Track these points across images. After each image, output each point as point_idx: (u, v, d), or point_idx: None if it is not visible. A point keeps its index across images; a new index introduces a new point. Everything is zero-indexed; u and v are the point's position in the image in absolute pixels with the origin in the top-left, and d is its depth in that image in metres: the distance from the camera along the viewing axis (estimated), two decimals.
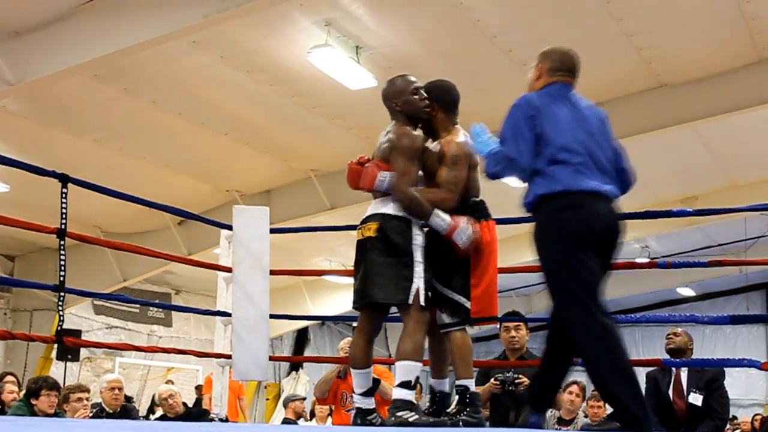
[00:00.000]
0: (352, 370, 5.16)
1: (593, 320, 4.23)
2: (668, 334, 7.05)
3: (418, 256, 4.93)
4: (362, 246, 5.07)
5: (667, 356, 6.90)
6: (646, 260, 16.53)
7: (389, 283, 4.91)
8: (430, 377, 5.25)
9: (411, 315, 4.89)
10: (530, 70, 4.91)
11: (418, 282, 4.90)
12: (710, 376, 6.85)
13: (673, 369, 6.90)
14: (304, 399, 12.78)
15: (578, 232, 4.34)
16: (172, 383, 14.12)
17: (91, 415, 7.98)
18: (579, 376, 9.21)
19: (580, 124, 4.57)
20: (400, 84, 5.10)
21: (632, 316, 17.45)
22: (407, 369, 4.86)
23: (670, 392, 6.88)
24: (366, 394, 5.09)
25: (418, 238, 4.96)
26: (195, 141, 12.63)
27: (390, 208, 5.01)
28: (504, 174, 4.63)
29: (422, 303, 4.90)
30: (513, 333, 6.82)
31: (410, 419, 4.69)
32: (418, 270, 4.91)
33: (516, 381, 6.53)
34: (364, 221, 5.09)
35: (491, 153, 4.57)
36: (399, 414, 4.72)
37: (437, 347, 5.20)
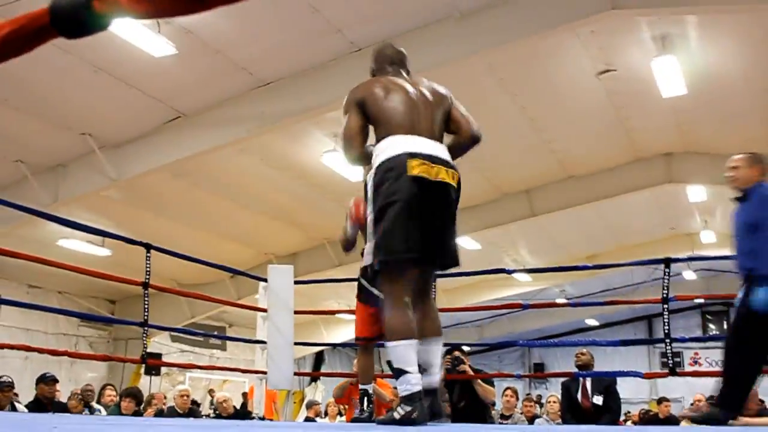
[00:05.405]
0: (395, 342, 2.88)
1: None
2: (577, 354, 6.92)
3: None
4: (443, 191, 2.92)
5: (576, 370, 6.82)
6: (563, 300, 16.59)
7: (455, 246, 3.06)
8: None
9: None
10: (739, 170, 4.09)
11: None
12: (607, 383, 6.73)
13: (581, 378, 6.80)
14: (320, 403, 12.59)
15: None
16: (214, 391, 14.06)
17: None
18: (512, 383, 9.18)
19: None
20: None
21: (553, 340, 17.59)
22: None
23: (579, 395, 6.78)
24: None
25: None
26: (242, 218, 12.65)
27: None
28: None
29: None
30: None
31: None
32: None
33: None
34: (441, 162, 2.92)
35: None
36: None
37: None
